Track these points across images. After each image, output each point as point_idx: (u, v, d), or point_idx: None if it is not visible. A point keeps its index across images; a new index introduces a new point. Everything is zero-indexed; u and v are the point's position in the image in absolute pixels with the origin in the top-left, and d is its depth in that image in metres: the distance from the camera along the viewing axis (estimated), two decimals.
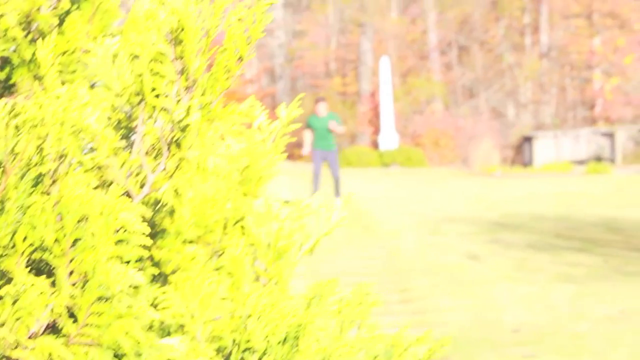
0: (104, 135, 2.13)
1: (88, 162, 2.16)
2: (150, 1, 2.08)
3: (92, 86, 2.45)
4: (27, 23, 2.44)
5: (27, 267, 1.97)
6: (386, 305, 10.46)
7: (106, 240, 1.96)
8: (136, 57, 2.23)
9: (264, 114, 2.90)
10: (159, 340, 2.11)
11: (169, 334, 2.42)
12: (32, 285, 1.94)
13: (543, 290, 11.41)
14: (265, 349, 2.15)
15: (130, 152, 2.16)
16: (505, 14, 50.57)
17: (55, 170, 2.03)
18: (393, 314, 10.00)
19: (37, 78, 2.21)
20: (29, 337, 1.95)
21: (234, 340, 2.21)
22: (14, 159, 1.96)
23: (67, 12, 2.46)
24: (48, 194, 2.02)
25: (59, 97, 1.97)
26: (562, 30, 49.11)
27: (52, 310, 1.97)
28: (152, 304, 2.49)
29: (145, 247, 2.06)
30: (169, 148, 2.03)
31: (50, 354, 1.96)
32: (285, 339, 2.15)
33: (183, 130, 1.98)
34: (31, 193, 1.98)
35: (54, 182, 2.03)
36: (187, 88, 2.02)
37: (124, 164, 2.13)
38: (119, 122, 2.22)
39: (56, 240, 1.97)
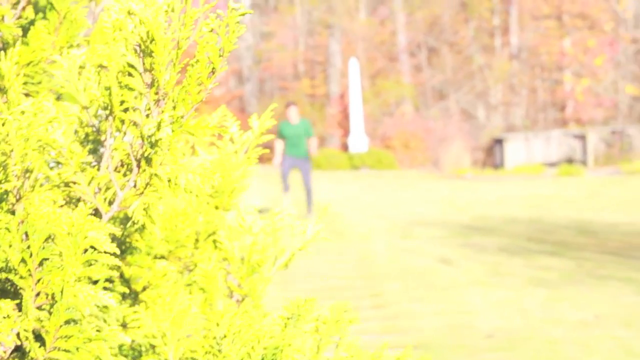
0: (70, 150, 2.05)
1: (54, 178, 2.08)
2: (119, 11, 2.00)
3: (57, 98, 2.37)
4: None
5: None
6: (358, 311, 10.40)
7: (74, 261, 1.89)
8: (104, 68, 2.15)
9: (236, 125, 2.83)
10: None
11: (140, 354, 2.34)
12: None
13: (516, 295, 11.39)
14: None
15: (98, 167, 2.08)
16: (475, 15, 50.65)
17: (21, 187, 1.95)
18: (366, 320, 9.94)
19: (0, 90, 2.13)
20: None
21: None
22: None
23: (32, 22, 2.38)
24: (13, 212, 1.94)
25: (24, 113, 1.89)
26: (532, 32, 49.25)
27: (17, 334, 1.90)
28: (122, 324, 2.42)
29: (114, 266, 1.98)
30: (138, 164, 1.95)
31: None
32: None
33: (153, 145, 1.91)
34: None
35: (18, 199, 1.95)
36: (157, 101, 1.94)
37: (92, 180, 2.05)
38: (87, 136, 2.15)
39: (22, 260, 1.89)
